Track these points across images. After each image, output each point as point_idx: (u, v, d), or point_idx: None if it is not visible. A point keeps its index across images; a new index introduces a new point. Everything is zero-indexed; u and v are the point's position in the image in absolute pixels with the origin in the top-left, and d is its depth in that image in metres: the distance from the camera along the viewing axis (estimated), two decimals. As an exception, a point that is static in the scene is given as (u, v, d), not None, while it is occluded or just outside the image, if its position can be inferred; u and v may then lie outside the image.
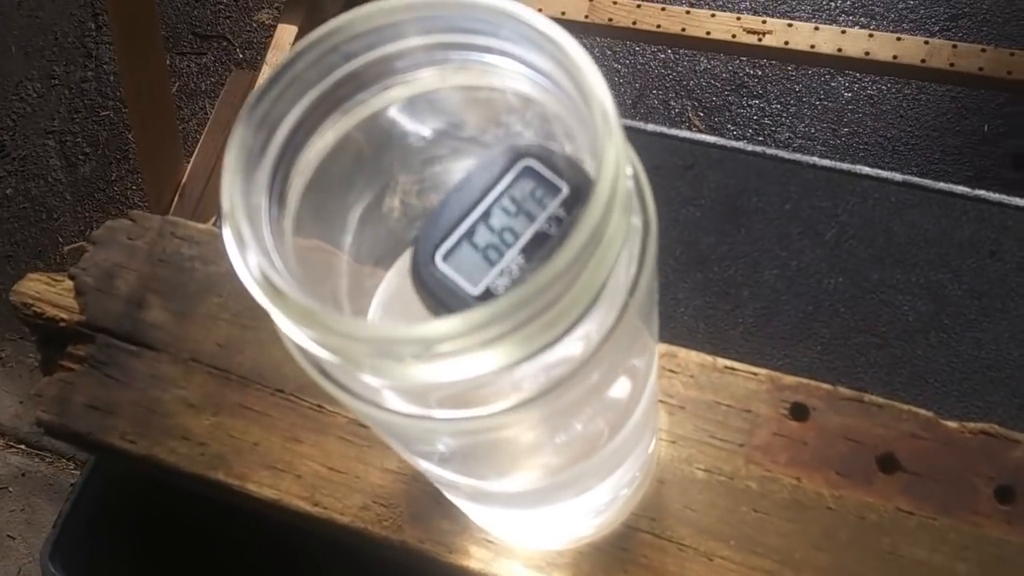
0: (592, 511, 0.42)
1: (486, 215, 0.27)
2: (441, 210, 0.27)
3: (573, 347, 0.26)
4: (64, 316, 0.54)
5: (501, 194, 0.27)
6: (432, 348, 0.23)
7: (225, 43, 1.59)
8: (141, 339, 0.52)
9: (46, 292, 0.55)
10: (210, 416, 0.50)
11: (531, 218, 0.27)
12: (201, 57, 1.58)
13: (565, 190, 0.27)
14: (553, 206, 0.27)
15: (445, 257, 0.26)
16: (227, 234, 0.24)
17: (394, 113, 0.30)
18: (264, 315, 0.51)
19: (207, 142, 1.37)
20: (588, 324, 0.25)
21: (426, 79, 0.29)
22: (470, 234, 0.26)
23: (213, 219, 1.25)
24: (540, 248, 0.27)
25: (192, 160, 1.35)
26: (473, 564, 0.46)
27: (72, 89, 1.60)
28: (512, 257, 0.26)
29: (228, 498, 0.50)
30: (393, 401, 0.27)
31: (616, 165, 0.23)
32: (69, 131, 1.57)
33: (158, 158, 1.34)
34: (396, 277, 0.36)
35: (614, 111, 0.24)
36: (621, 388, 0.32)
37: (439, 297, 0.26)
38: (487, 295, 0.26)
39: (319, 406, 0.50)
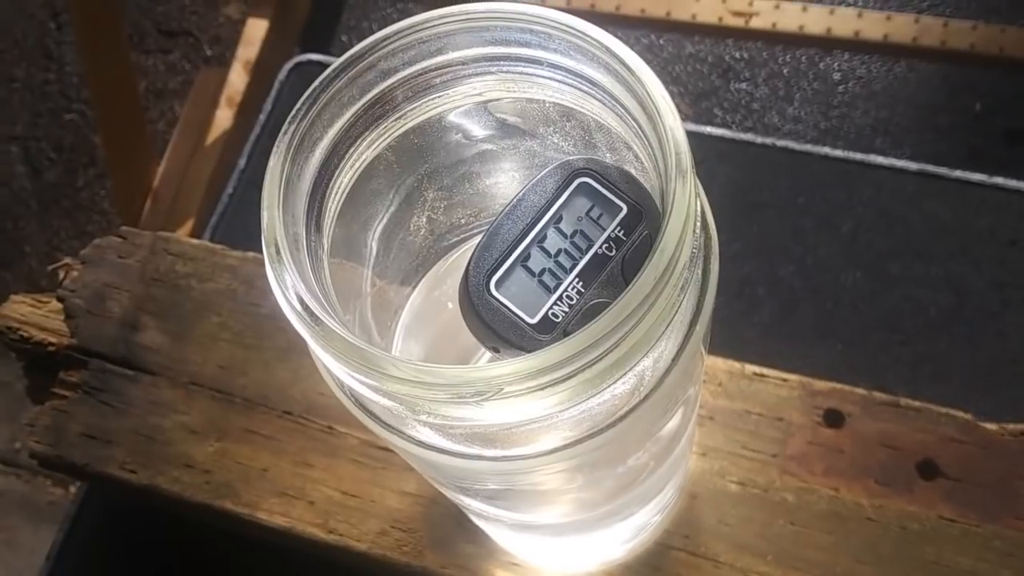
0: (629, 536, 0.41)
1: (540, 238, 0.25)
2: (493, 234, 0.25)
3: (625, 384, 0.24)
4: (53, 340, 0.51)
5: (556, 214, 0.25)
6: (502, 390, 0.21)
7: (192, 39, 1.54)
8: (137, 363, 0.49)
9: (32, 315, 0.52)
10: (214, 442, 0.48)
11: (588, 239, 0.25)
12: (167, 55, 1.54)
13: (624, 209, 0.25)
14: (612, 227, 0.25)
15: (499, 285, 0.24)
16: (276, 278, 0.22)
17: (428, 128, 0.27)
18: (268, 334, 0.49)
19: (178, 143, 1.33)
20: (650, 357, 0.23)
21: (465, 93, 0.26)
22: (524, 258, 0.24)
23: (191, 223, 1.22)
24: (599, 271, 0.25)
25: (163, 163, 1.32)
26: (499, 589, 0.44)
27: (34, 92, 1.55)
28: (569, 282, 0.24)
29: (236, 528, 0.47)
30: (430, 437, 0.25)
31: (688, 208, 0.21)
32: (32, 136, 1.52)
33: (127, 162, 1.30)
34: (419, 297, 0.34)
35: (687, 150, 0.22)
36: (675, 417, 0.30)
37: (494, 327, 0.24)
38: (546, 323, 0.24)
39: (329, 428, 0.47)
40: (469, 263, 0.24)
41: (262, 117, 0.67)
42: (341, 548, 0.45)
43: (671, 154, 0.22)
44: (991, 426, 0.44)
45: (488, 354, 0.33)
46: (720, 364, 0.46)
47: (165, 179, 1.29)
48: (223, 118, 1.28)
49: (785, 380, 0.46)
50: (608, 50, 0.23)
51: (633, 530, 0.40)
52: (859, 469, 0.44)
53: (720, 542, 0.44)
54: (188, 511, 0.48)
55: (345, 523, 0.46)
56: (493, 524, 0.36)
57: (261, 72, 1.29)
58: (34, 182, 1.48)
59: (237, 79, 1.29)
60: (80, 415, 0.49)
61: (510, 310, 0.24)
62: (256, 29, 1.35)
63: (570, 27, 0.23)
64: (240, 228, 0.62)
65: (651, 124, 0.23)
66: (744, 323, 0.56)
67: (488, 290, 0.24)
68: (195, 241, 0.52)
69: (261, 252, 0.53)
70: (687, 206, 0.21)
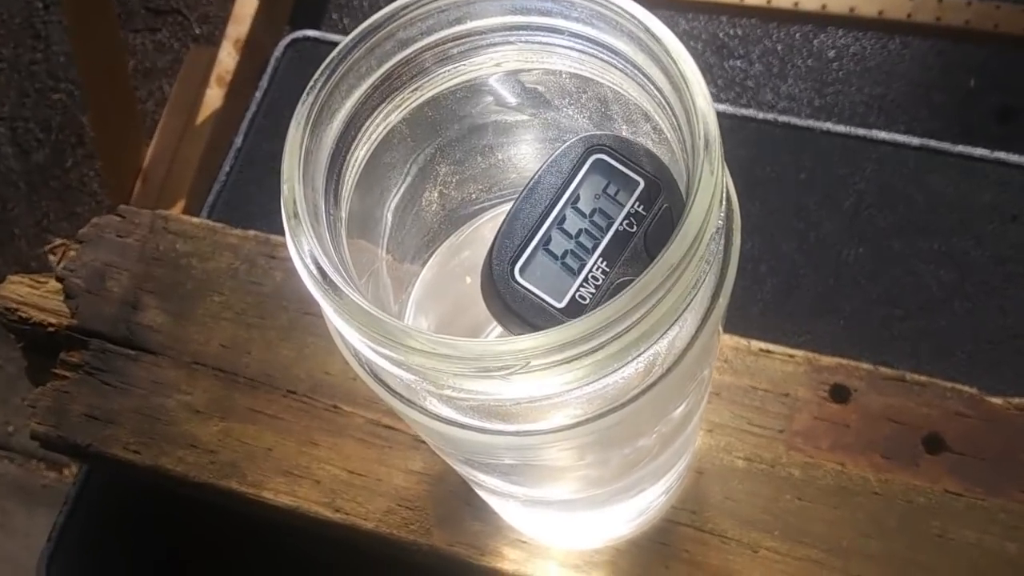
0: (638, 512, 0.41)
1: (560, 219, 0.24)
2: (512, 220, 0.24)
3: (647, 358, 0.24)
4: (53, 321, 0.51)
5: (573, 194, 0.25)
6: (529, 363, 0.21)
7: (180, 18, 1.53)
8: (138, 343, 0.49)
9: (30, 295, 0.52)
10: (218, 422, 0.47)
11: (608, 217, 0.25)
12: (155, 33, 1.53)
13: (641, 183, 0.25)
14: (630, 202, 0.25)
15: (523, 271, 0.24)
16: (296, 248, 0.22)
17: (443, 100, 0.27)
18: (271, 313, 0.48)
19: (168, 123, 1.32)
20: (674, 330, 0.23)
21: (483, 64, 0.26)
22: (545, 242, 0.24)
23: (182, 203, 1.21)
24: (622, 249, 0.24)
25: (152, 143, 1.30)
26: (507, 566, 0.44)
27: (21, 72, 1.53)
28: (593, 263, 0.24)
29: (242, 507, 0.47)
30: (448, 411, 0.25)
31: (715, 185, 0.21)
32: (20, 116, 1.51)
33: (116, 142, 1.29)
34: (431, 271, 0.33)
35: (715, 125, 0.22)
36: (690, 396, 0.30)
37: (522, 315, 0.24)
38: (574, 306, 0.24)
39: (335, 407, 0.47)
40: (491, 251, 0.24)
41: (258, 94, 0.66)
42: (348, 527, 0.45)
43: (699, 130, 0.22)
44: (996, 400, 0.44)
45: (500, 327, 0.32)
46: (726, 340, 0.46)
47: (155, 159, 1.28)
48: (213, 97, 1.27)
49: (791, 356, 0.46)
50: (636, 20, 0.22)
51: (643, 506, 0.40)
52: (865, 444, 0.44)
53: (727, 518, 0.44)
54: (193, 491, 0.47)
55: (351, 502, 0.46)
56: (504, 499, 0.35)
57: (251, 51, 1.28)
58: (22, 163, 1.47)
59: (227, 58, 1.28)
60: (82, 395, 0.48)
61: (537, 296, 0.24)
62: (246, 7, 1.34)
63: None
64: (238, 207, 0.62)
65: (677, 95, 0.22)
66: (747, 299, 0.56)
67: (513, 277, 0.24)
68: (195, 220, 0.52)
69: (262, 230, 0.52)
70: (715, 183, 0.21)
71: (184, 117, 1.31)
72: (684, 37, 1.31)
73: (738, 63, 1.28)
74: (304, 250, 0.22)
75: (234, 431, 0.47)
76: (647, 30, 0.22)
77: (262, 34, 1.30)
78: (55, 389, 0.49)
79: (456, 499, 0.45)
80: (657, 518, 0.44)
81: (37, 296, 0.52)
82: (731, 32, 1.30)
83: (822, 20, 1.09)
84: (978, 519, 0.43)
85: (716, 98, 1.27)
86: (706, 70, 1.28)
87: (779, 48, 1.28)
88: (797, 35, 1.29)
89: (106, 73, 1.23)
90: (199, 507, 0.49)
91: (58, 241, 0.52)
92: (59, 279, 0.51)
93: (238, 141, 0.64)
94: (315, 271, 0.22)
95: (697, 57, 1.30)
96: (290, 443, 0.47)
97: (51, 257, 0.52)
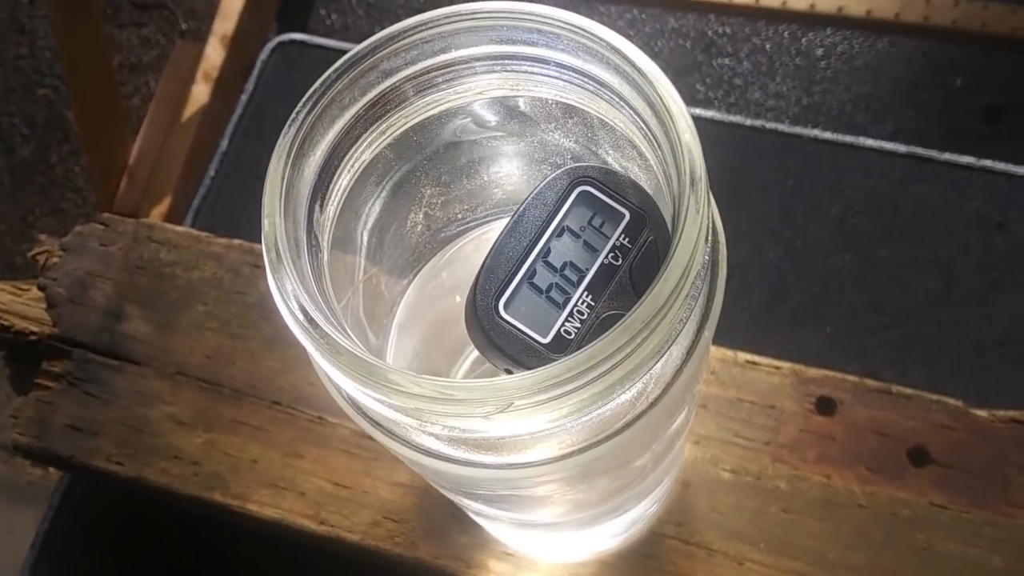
0: (624, 527, 0.40)
1: (544, 252, 0.24)
2: (496, 254, 0.24)
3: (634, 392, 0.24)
4: (35, 329, 0.50)
5: (558, 227, 0.24)
6: (512, 403, 0.20)
7: (166, 13, 1.51)
8: (122, 353, 0.49)
9: (12, 303, 0.51)
10: (203, 433, 0.47)
11: (593, 250, 0.24)
12: (141, 29, 1.51)
13: (627, 215, 0.25)
14: (616, 235, 0.25)
15: (507, 305, 0.24)
16: (279, 289, 0.21)
17: (429, 126, 0.27)
18: (254, 323, 0.48)
19: (153, 119, 1.31)
20: (659, 364, 0.23)
21: (469, 91, 0.26)
22: (530, 276, 0.24)
23: (168, 200, 1.20)
24: (607, 282, 0.24)
25: (138, 139, 1.29)
26: (493, 579, 0.44)
27: (6, 67, 1.52)
28: (579, 296, 0.24)
29: (226, 519, 0.47)
30: (435, 444, 0.25)
31: (700, 223, 0.21)
32: (5, 112, 1.49)
33: (102, 138, 1.27)
34: (414, 292, 0.33)
35: (701, 162, 0.21)
36: (680, 416, 0.30)
37: (507, 351, 0.23)
38: (559, 342, 0.23)
39: (319, 418, 0.47)
40: (475, 286, 0.24)
41: (244, 97, 0.65)
42: (333, 539, 0.45)
43: (685, 166, 0.21)
44: (981, 413, 0.44)
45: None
46: (713, 352, 0.46)
47: (141, 155, 1.27)
48: (200, 93, 1.26)
49: (777, 368, 0.46)
50: (620, 53, 0.22)
51: (629, 522, 0.40)
52: (851, 456, 0.44)
53: (713, 530, 0.44)
54: (177, 503, 0.47)
55: (337, 514, 0.45)
56: (491, 521, 0.35)
57: (238, 46, 1.27)
58: (7, 159, 1.46)
59: (214, 54, 1.27)
60: (64, 406, 0.48)
61: (521, 331, 0.23)
62: (233, 3, 1.32)
63: (579, 27, 0.23)
64: (223, 212, 0.61)
65: (662, 128, 0.22)
66: (733, 307, 0.56)
67: (497, 312, 0.24)
68: (179, 228, 0.51)
69: (247, 237, 0.52)
70: (701, 221, 0.21)
71: (170, 113, 1.30)
72: (672, 35, 1.31)
73: (726, 61, 1.28)
74: (287, 291, 0.21)
75: (218, 442, 0.47)
76: (632, 63, 0.22)
77: (249, 30, 1.29)
78: (37, 399, 0.48)
79: (442, 511, 0.45)
80: (643, 531, 0.44)
81: (19, 304, 0.51)
82: (720, 30, 1.30)
83: (810, 19, 1.09)
84: (963, 532, 0.43)
85: (704, 97, 1.28)
86: (694, 68, 1.27)
87: (767, 47, 1.28)
88: (785, 34, 1.29)
89: (91, 68, 1.22)
90: (184, 515, 0.49)
91: (43, 246, 0.51)
92: (41, 288, 0.50)
93: (223, 145, 0.64)
94: (300, 315, 0.21)
95: (686, 55, 1.31)
96: (275, 455, 0.46)
97: (40, 260, 0.51)
